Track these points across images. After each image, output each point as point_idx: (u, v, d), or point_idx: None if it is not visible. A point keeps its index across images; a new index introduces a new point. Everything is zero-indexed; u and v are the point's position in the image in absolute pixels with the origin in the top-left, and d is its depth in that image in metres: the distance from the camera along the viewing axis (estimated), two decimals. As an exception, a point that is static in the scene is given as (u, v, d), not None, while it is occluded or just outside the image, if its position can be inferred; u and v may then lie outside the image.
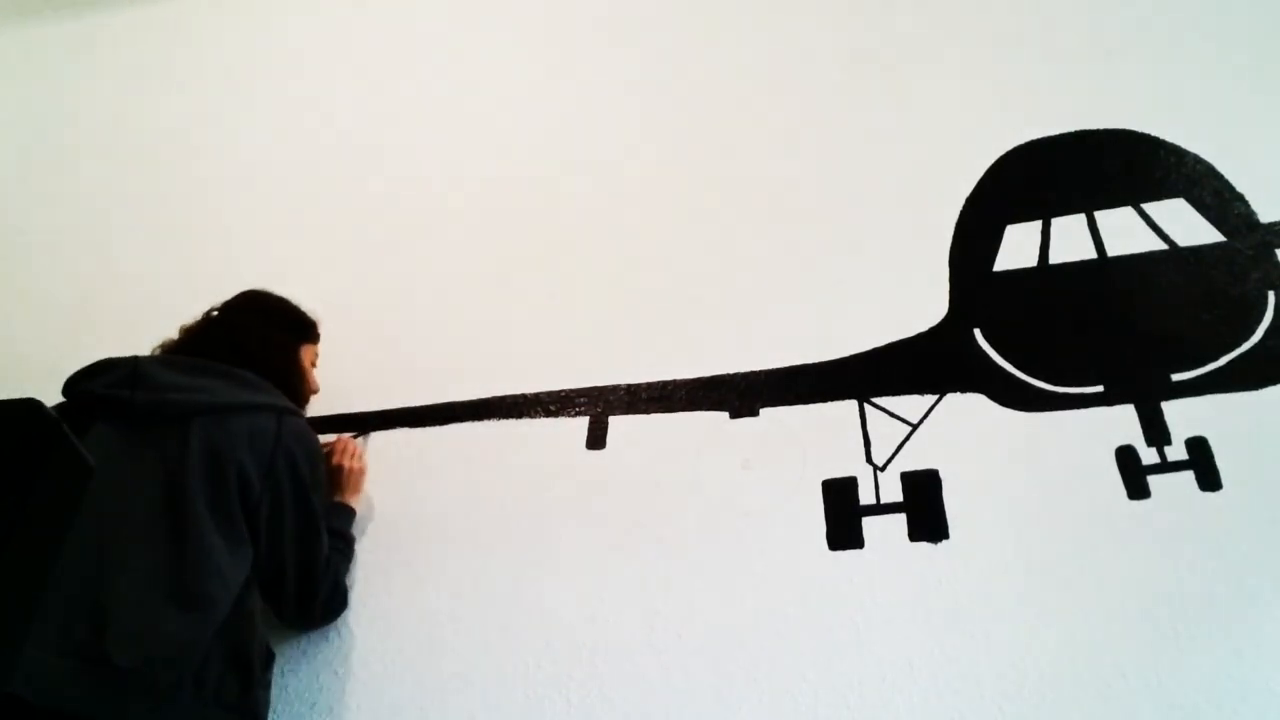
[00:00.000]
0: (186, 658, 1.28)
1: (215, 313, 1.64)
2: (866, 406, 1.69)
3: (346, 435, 1.79)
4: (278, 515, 1.46)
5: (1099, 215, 1.74)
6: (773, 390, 1.74)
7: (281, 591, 1.50)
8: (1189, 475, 1.51)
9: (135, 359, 1.48)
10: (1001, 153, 1.85)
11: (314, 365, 1.73)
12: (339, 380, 1.92)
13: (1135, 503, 1.51)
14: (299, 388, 1.65)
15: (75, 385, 1.46)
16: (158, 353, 1.58)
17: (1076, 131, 1.84)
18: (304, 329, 1.71)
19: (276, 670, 1.56)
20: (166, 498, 1.36)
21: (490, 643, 1.61)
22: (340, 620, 1.68)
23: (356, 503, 1.71)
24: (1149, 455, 1.54)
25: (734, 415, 1.73)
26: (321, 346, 1.79)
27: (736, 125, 2.04)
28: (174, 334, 1.62)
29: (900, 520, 1.57)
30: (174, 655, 1.27)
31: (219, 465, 1.40)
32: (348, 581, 1.64)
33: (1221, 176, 1.74)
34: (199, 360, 1.52)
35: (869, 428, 1.67)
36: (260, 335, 1.61)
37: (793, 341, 1.76)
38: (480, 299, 1.97)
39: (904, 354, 1.72)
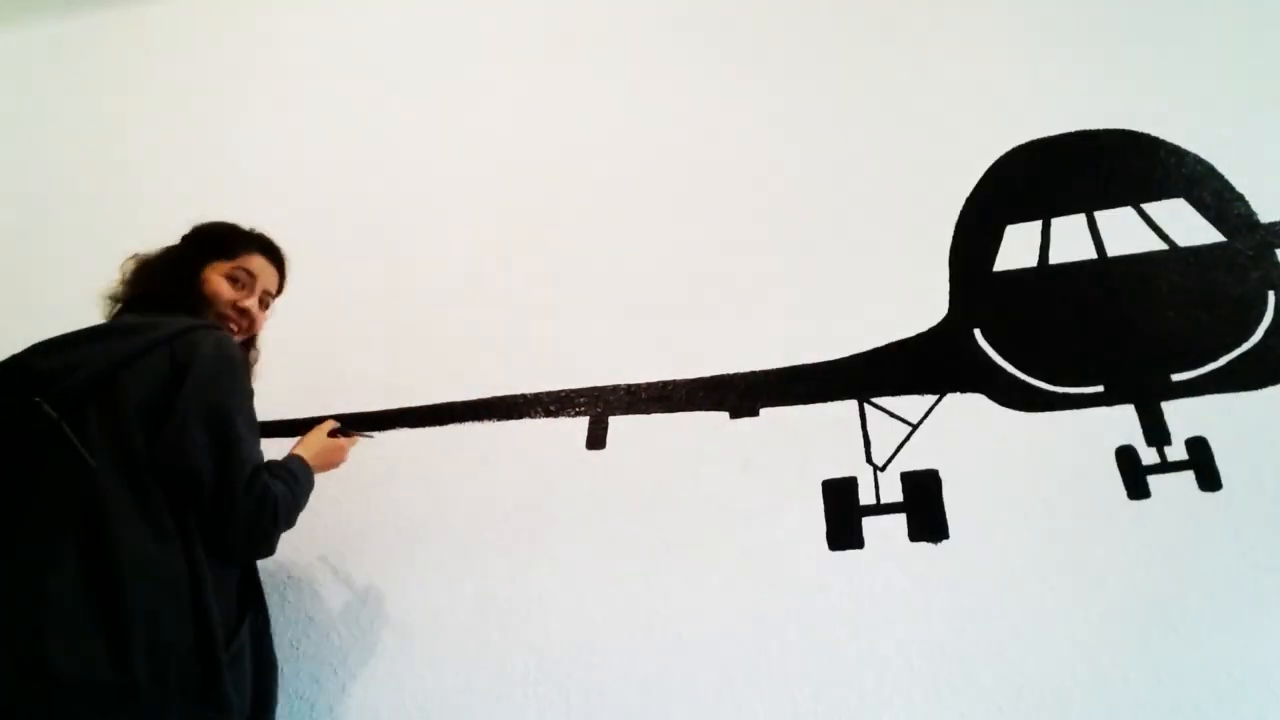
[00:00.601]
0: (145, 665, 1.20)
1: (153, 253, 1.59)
2: (866, 406, 1.69)
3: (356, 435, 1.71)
4: (182, 424, 1.30)
5: (1099, 215, 1.74)
6: (773, 390, 1.74)
7: (200, 506, 1.31)
8: (1189, 475, 1.51)
9: (16, 357, 1.35)
10: (1001, 153, 1.85)
11: (240, 282, 1.57)
12: (339, 380, 1.92)
13: (1135, 503, 1.51)
14: (200, 306, 1.51)
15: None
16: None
17: (1076, 131, 1.84)
18: (207, 244, 1.58)
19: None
20: (83, 500, 1.27)
21: (490, 643, 1.61)
22: (340, 620, 1.68)
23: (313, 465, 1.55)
24: (1149, 455, 1.54)
25: (734, 415, 1.73)
26: (321, 345, 1.79)
27: (737, 125, 2.04)
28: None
29: (900, 520, 1.57)
30: (120, 664, 1.19)
31: (124, 435, 1.30)
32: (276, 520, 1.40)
33: (1221, 176, 1.73)
34: (84, 329, 1.39)
35: (869, 428, 1.67)
36: (158, 265, 1.54)
37: (793, 341, 1.76)
38: (480, 299, 1.97)
39: (904, 354, 1.72)
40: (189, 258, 1.56)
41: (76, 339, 1.38)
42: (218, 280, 1.55)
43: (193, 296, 1.51)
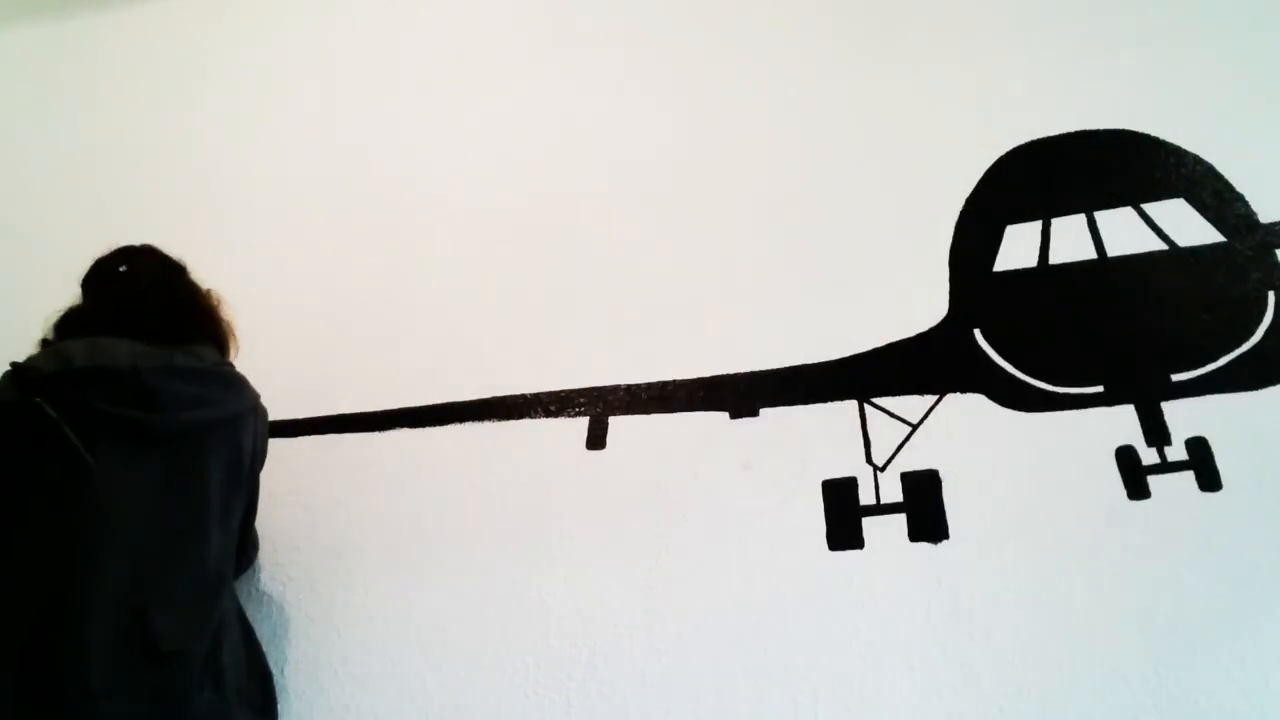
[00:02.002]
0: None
1: (127, 274, 1.54)
2: (866, 406, 1.69)
3: None
4: (253, 500, 1.55)
5: (1099, 215, 1.74)
6: (773, 390, 1.74)
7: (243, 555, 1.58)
8: (1189, 475, 1.51)
9: (134, 366, 1.35)
10: (1001, 153, 1.85)
11: None
12: (339, 380, 1.92)
13: (1135, 503, 1.51)
14: (227, 348, 1.61)
15: (59, 385, 1.32)
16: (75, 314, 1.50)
17: (1076, 131, 1.84)
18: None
19: (276, 670, 1.56)
20: (189, 517, 1.37)
21: (490, 643, 1.62)
22: (340, 621, 1.69)
23: None
24: (1149, 455, 1.54)
25: (734, 415, 1.73)
26: (321, 345, 1.80)
27: (736, 125, 2.04)
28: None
29: (900, 520, 1.57)
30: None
31: (234, 476, 1.44)
32: None
33: (1221, 177, 1.73)
34: (190, 361, 1.44)
35: (869, 428, 1.67)
36: (204, 306, 1.56)
37: (793, 341, 1.76)
38: (480, 299, 1.97)
39: (904, 354, 1.72)
40: (209, 297, 1.60)
41: (196, 373, 1.43)
42: None
43: (228, 340, 1.61)
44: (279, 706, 1.53)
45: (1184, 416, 1.55)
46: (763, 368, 1.76)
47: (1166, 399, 1.57)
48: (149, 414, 1.34)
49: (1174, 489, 1.50)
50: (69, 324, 1.48)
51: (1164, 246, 1.69)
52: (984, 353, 1.69)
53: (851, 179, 1.91)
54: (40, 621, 1.22)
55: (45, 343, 1.47)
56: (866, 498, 1.60)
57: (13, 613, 1.23)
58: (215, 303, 1.59)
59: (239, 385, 1.51)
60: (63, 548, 1.26)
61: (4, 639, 1.21)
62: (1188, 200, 1.72)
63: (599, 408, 1.79)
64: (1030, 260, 1.73)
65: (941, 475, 1.60)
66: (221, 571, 1.41)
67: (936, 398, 1.67)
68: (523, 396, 1.83)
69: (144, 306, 1.49)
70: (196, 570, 1.36)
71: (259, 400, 1.54)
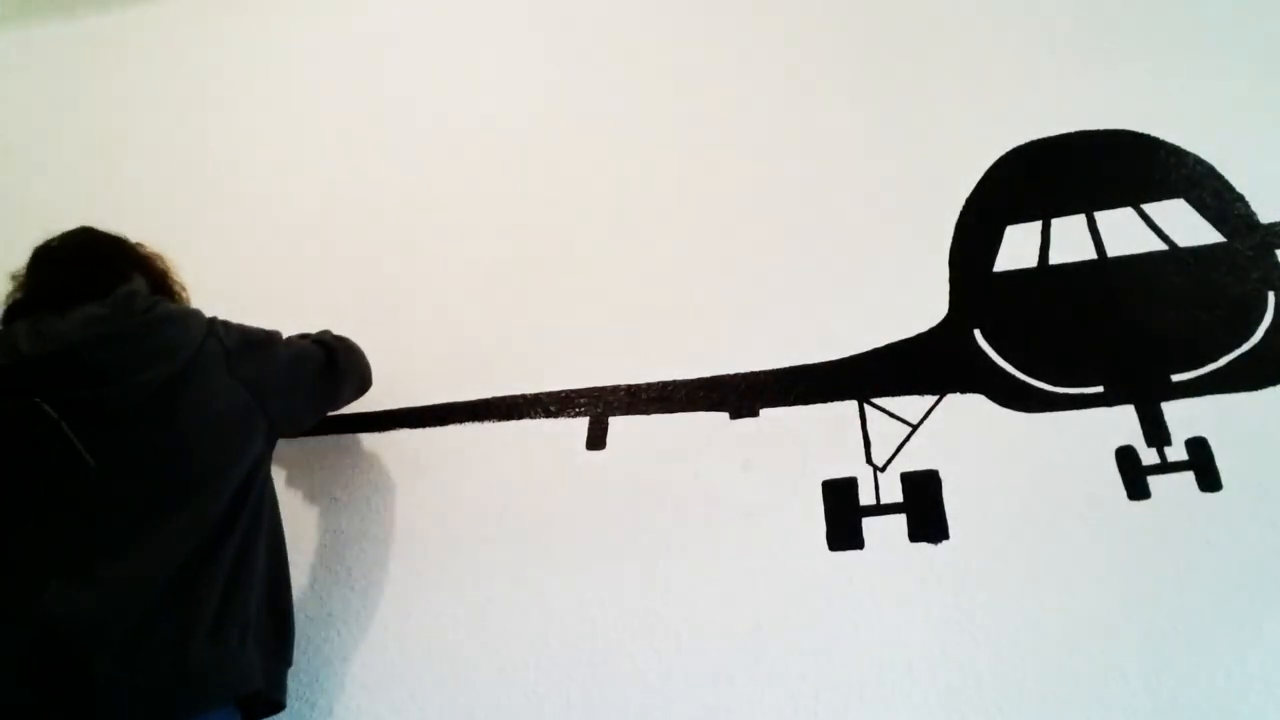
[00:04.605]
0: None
1: (59, 246, 1.55)
2: (866, 407, 1.69)
3: None
4: (278, 392, 1.51)
5: (1099, 215, 1.74)
6: (773, 390, 1.74)
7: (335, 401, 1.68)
8: (1189, 475, 1.51)
9: (67, 343, 1.33)
10: (1001, 153, 1.85)
11: None
12: (339, 380, 1.92)
13: (1135, 503, 1.51)
14: (171, 286, 1.61)
15: (16, 383, 1.31)
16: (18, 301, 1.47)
17: (1076, 131, 1.84)
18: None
19: (276, 670, 1.56)
20: (83, 500, 1.32)
21: (490, 643, 1.62)
22: (340, 620, 1.68)
23: None
24: (1149, 455, 1.54)
25: (734, 415, 1.73)
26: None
27: (736, 125, 2.04)
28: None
29: (900, 520, 1.57)
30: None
31: (212, 421, 1.40)
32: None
33: (1221, 177, 1.73)
34: (119, 319, 1.39)
35: (869, 428, 1.67)
36: (132, 248, 1.57)
37: (793, 341, 1.76)
38: (480, 299, 1.97)
39: (904, 354, 1.72)
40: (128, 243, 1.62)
41: (131, 332, 1.38)
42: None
43: (166, 278, 1.63)
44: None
45: (1184, 416, 1.55)
46: (763, 368, 1.76)
47: (1166, 399, 1.57)
48: (97, 390, 1.32)
49: (1174, 489, 1.50)
50: (15, 309, 1.47)
51: (1164, 246, 1.69)
52: (984, 353, 1.69)
53: (851, 178, 1.91)
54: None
55: None
56: (866, 498, 1.60)
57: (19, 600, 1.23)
58: (149, 253, 1.59)
59: (171, 320, 1.44)
60: (63, 534, 1.27)
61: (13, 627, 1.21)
62: (1188, 200, 1.72)
63: (599, 408, 1.79)
64: (1030, 260, 1.73)
65: (941, 475, 1.60)
66: (229, 515, 1.38)
67: (936, 398, 1.67)
68: (523, 396, 1.83)
69: (78, 264, 1.50)
70: (196, 520, 1.34)
71: (209, 323, 1.48)
